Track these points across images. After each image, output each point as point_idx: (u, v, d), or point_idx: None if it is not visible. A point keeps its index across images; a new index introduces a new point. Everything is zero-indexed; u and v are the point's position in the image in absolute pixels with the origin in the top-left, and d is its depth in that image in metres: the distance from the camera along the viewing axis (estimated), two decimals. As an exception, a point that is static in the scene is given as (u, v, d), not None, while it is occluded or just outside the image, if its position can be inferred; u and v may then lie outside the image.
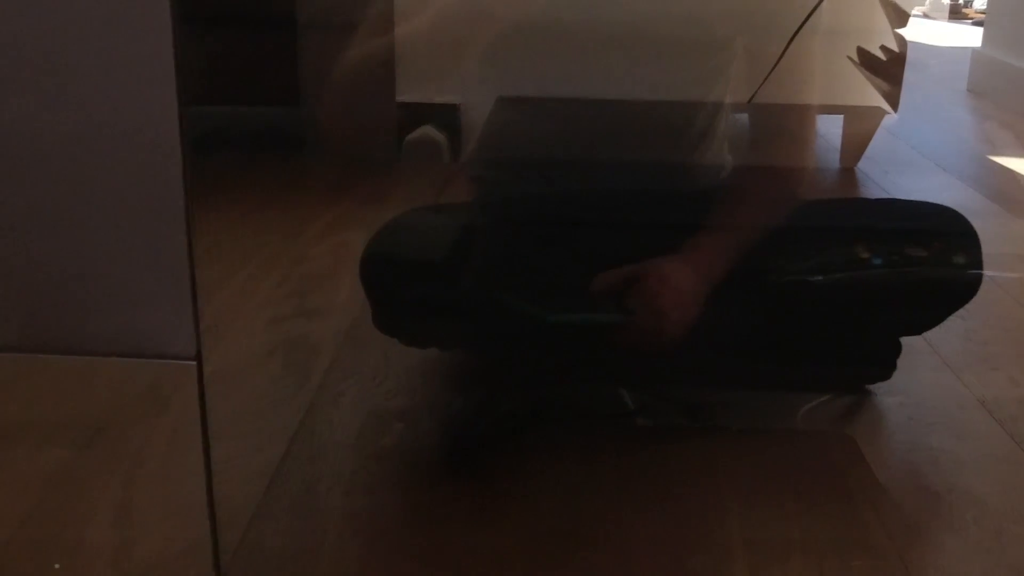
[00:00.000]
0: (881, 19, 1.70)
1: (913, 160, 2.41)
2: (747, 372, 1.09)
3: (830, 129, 2.33)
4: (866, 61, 1.30)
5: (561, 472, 1.08)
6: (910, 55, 2.08)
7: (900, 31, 1.99)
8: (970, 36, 4.17)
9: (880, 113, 2.18)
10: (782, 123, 1.14)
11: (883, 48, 1.28)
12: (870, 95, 1.86)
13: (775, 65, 1.02)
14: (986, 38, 3.25)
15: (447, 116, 1.22)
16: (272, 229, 1.73)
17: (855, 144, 2.26)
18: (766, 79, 1.04)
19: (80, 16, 0.65)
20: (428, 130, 1.21)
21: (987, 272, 1.13)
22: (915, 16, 4.96)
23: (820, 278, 1.10)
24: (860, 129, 2.24)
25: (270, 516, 1.00)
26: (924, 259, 1.12)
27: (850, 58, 1.27)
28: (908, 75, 2.03)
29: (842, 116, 2.23)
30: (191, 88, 0.64)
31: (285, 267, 1.59)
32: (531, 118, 1.16)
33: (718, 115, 1.21)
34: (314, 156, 1.30)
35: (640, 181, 1.16)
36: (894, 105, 2.08)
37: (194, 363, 0.68)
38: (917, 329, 1.27)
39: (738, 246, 1.11)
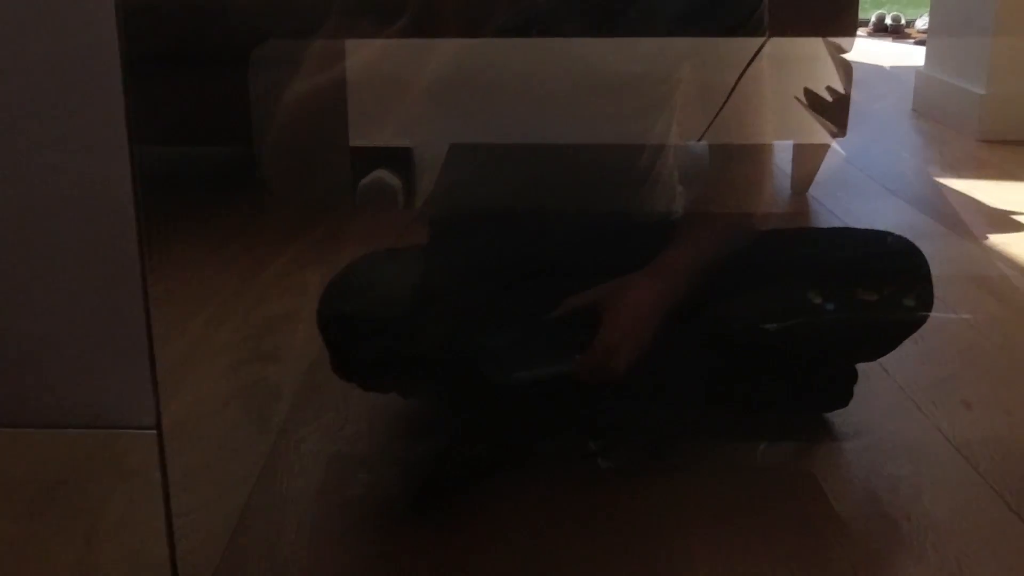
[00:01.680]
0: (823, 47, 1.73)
1: (862, 183, 2.44)
2: (705, 413, 1.09)
3: (780, 155, 2.36)
4: (813, 102, 1.32)
5: (526, 516, 1.08)
6: (856, 75, 2.11)
7: (845, 56, 2.03)
8: (913, 55, 4.25)
9: (823, 148, 2.22)
10: (739, 160, 1.15)
11: (829, 88, 1.30)
12: (819, 132, 1.89)
13: (725, 102, 1.04)
14: (928, 58, 3.31)
15: (400, 160, 1.22)
16: (227, 272, 1.72)
17: (805, 171, 2.29)
18: (716, 115, 1.05)
19: (22, 76, 0.64)
20: (382, 174, 1.21)
21: (936, 314, 1.15)
22: (859, 36, 5.04)
23: (774, 326, 1.11)
24: (810, 157, 2.27)
25: (233, 570, 0.99)
26: (876, 302, 1.13)
27: (798, 99, 1.29)
28: (854, 95, 2.06)
29: (791, 143, 2.26)
30: (142, 131, 0.63)
31: (242, 311, 1.58)
32: (483, 164, 1.16)
33: (665, 151, 1.22)
34: (267, 198, 1.30)
35: (593, 221, 1.17)
36: (842, 130, 2.11)
37: (154, 432, 0.67)
38: (871, 357, 1.29)
39: (694, 269, 1.13)
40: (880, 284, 1.13)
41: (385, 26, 0.99)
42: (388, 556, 1.02)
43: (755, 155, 1.15)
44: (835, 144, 2.24)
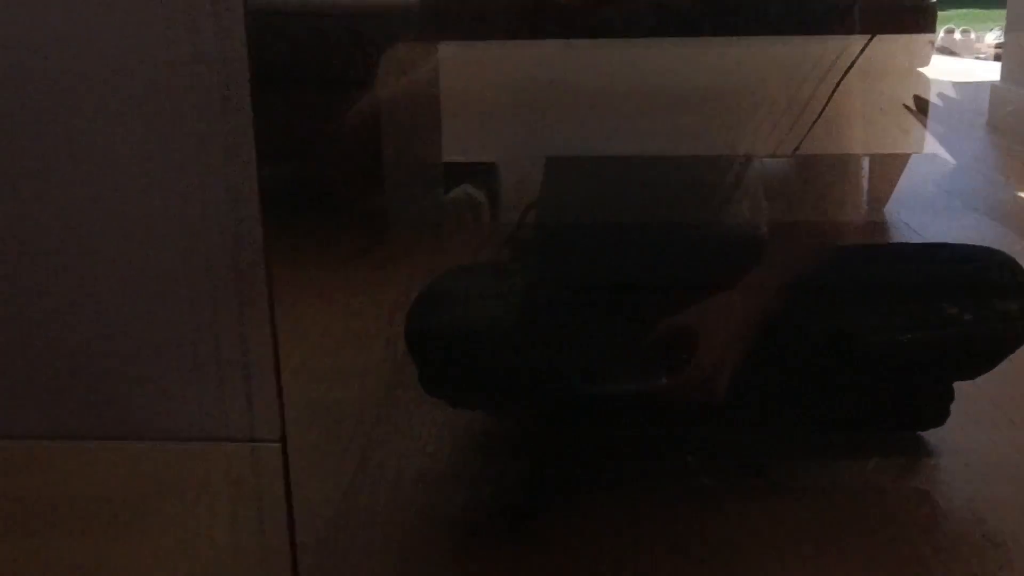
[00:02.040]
0: (909, 59, 1.70)
1: (939, 199, 2.40)
2: (799, 431, 1.07)
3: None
4: (922, 108, 1.29)
5: (623, 535, 1.06)
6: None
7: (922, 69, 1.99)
8: (982, 71, 4.17)
9: (905, 159, 2.17)
10: (827, 172, 1.13)
11: (916, 97, 1.28)
12: (900, 143, 1.86)
13: (821, 112, 1.02)
14: (1004, 73, 3.24)
15: (484, 175, 1.21)
16: (309, 285, 1.72)
17: (883, 186, 2.25)
18: (811, 127, 1.03)
19: (150, 87, 0.64)
20: (467, 188, 1.20)
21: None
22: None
23: (908, 336, 1.09)
24: (888, 170, 2.23)
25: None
26: (978, 318, 1.11)
27: (907, 107, 1.26)
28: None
29: (868, 159, 2.22)
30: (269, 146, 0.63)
31: (323, 325, 1.57)
32: (579, 178, 1.15)
33: (751, 165, 1.20)
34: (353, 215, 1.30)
35: (684, 235, 1.15)
36: (919, 145, 2.07)
37: (278, 445, 0.67)
38: (971, 375, 1.25)
39: (786, 285, 1.11)
40: (984, 296, 1.10)
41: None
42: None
43: (843, 167, 1.13)
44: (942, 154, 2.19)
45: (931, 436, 1.24)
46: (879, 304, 1.11)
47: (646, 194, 1.14)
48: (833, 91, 1.02)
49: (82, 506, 0.73)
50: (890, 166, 2.21)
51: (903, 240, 2.06)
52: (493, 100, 1.06)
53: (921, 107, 1.30)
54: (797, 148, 1.04)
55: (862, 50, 1.00)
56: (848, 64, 1.01)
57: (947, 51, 4.98)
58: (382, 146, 1.04)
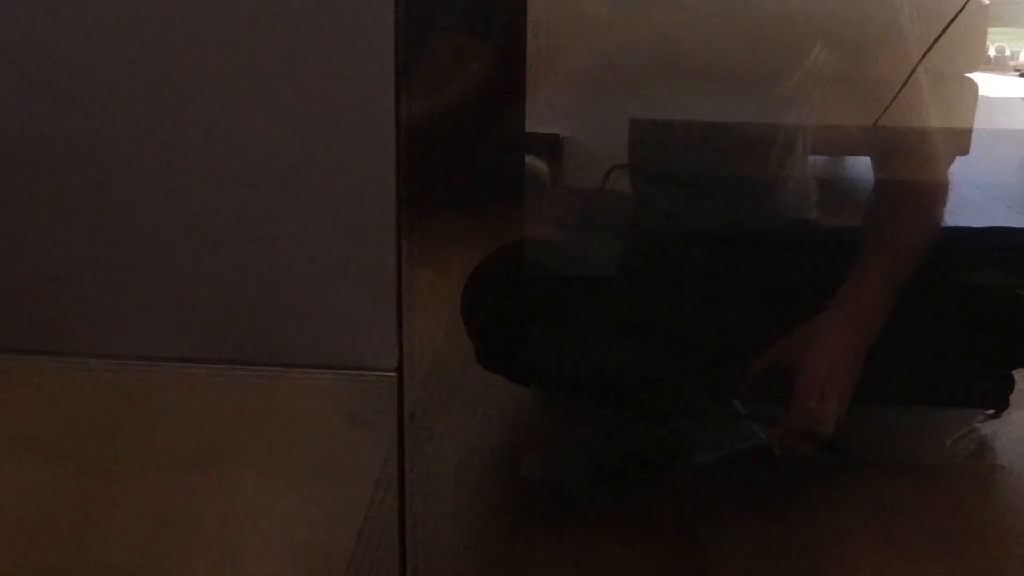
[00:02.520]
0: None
1: (984, 202, 2.40)
2: (881, 392, 1.06)
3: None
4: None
5: (693, 509, 1.06)
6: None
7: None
8: (1018, 87, 4.16)
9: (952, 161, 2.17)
10: (906, 159, 1.12)
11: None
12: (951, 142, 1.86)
13: (903, 86, 1.01)
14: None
15: (548, 146, 1.22)
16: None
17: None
18: (893, 100, 1.03)
19: (297, 18, 0.66)
20: (531, 160, 1.21)
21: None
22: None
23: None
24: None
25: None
26: None
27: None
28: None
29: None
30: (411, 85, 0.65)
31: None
32: (664, 141, 1.15)
33: (795, 149, 1.20)
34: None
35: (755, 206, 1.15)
36: (965, 148, 2.07)
37: (394, 375, 0.69)
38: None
39: (887, 293, 1.08)
40: None
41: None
42: (549, 546, 1.02)
43: (923, 151, 1.12)
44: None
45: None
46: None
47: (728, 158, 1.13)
48: (918, 63, 1.01)
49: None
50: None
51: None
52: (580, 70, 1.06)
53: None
54: (877, 121, 1.04)
55: (935, 41, 1.00)
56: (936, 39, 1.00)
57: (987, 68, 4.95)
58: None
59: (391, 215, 0.66)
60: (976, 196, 2.44)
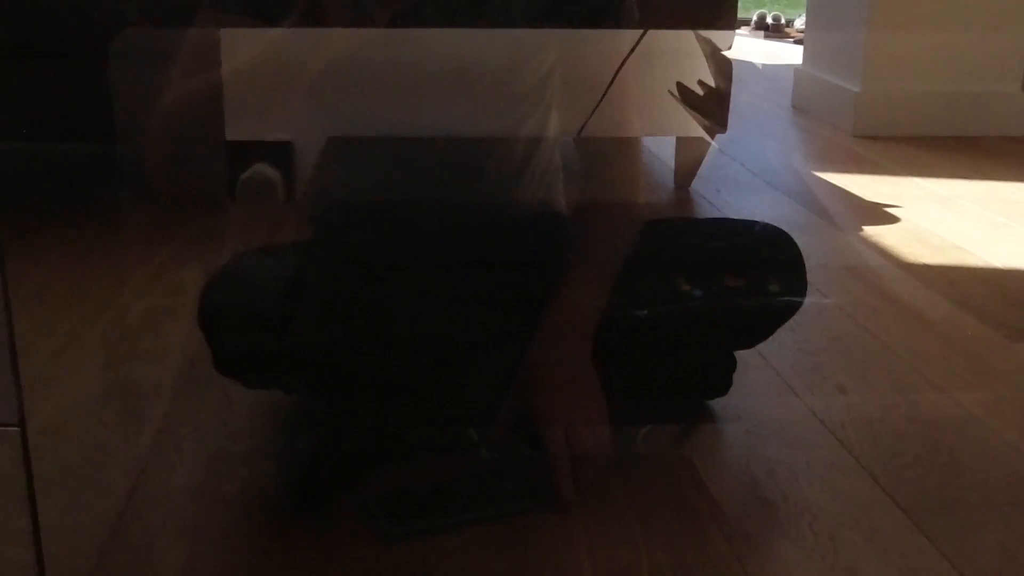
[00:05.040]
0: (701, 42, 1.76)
1: (743, 178, 2.50)
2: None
3: (664, 150, 2.40)
4: (686, 96, 1.34)
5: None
6: (737, 72, 2.16)
7: (725, 52, 2.07)
8: (792, 54, 4.36)
9: (706, 142, 2.26)
10: (609, 156, 1.16)
11: (701, 83, 1.33)
12: (695, 126, 1.93)
13: (602, 98, 1.04)
14: (806, 56, 3.40)
15: (280, 154, 1.20)
16: (97, 272, 1.67)
17: (688, 165, 2.33)
18: (593, 112, 1.05)
19: None
20: (262, 168, 1.19)
21: (803, 299, 1.18)
22: (740, 34, 5.17)
23: (644, 312, 1.13)
24: (692, 152, 2.32)
25: (114, 571, 0.96)
26: (742, 289, 1.16)
27: (671, 92, 1.31)
28: (736, 92, 2.11)
29: (675, 138, 2.30)
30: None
31: (116, 311, 1.54)
32: (361, 158, 1.15)
33: (542, 143, 1.22)
34: (135, 196, 1.26)
35: (470, 213, 1.16)
36: (723, 126, 2.16)
37: (17, 429, 0.65)
38: (747, 344, 1.32)
39: (599, 293, 1.12)
40: (751, 271, 1.16)
41: (261, 18, 0.98)
42: (268, 553, 1.01)
43: (623, 151, 1.16)
44: (716, 141, 2.29)
45: (716, 404, 1.30)
46: (651, 276, 1.15)
47: (432, 174, 1.15)
48: (615, 74, 1.05)
49: None
50: (695, 146, 2.29)
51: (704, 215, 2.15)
52: (280, 81, 1.05)
53: (688, 96, 1.35)
54: (580, 132, 1.07)
55: (635, 44, 1.03)
56: (627, 52, 1.04)
57: (764, 34, 5.18)
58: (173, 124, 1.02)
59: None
60: (737, 171, 2.55)
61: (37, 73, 1.67)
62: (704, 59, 1.74)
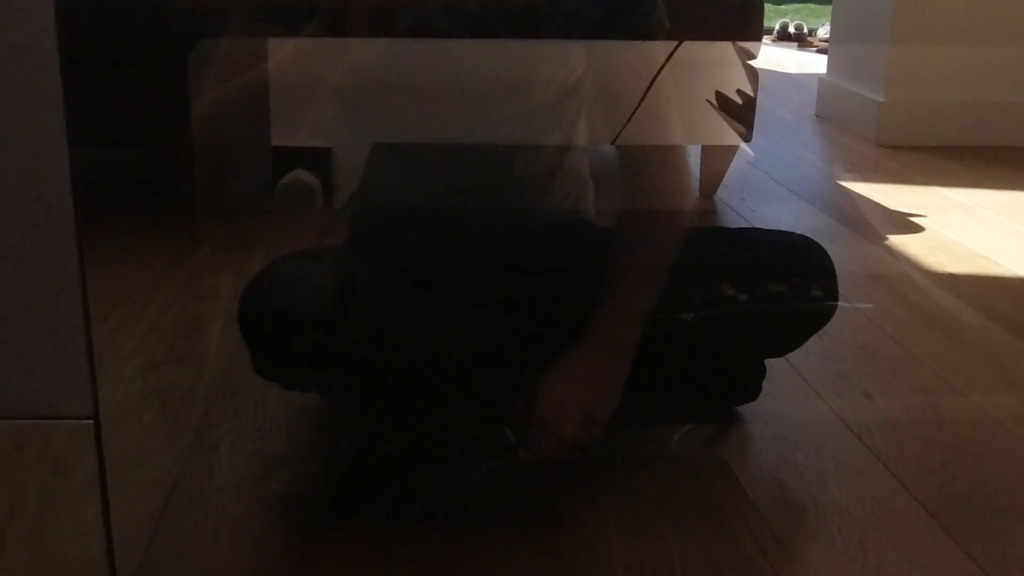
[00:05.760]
0: (732, 52, 1.78)
1: (767, 187, 2.51)
2: (622, 407, 1.11)
3: (689, 159, 2.41)
4: (723, 104, 1.36)
5: (447, 510, 1.09)
6: (762, 81, 2.17)
7: (751, 62, 2.09)
8: (815, 63, 4.37)
9: (735, 149, 2.28)
10: (653, 163, 1.17)
11: (739, 92, 1.34)
12: (727, 134, 1.95)
13: (637, 107, 1.06)
14: (830, 65, 3.42)
15: (319, 160, 1.23)
16: (141, 273, 1.70)
17: (713, 174, 2.35)
18: (628, 120, 1.07)
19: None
20: (301, 174, 1.22)
21: (842, 303, 1.20)
22: (765, 44, 5.18)
23: (691, 316, 1.15)
24: (717, 161, 2.33)
25: (154, 570, 0.98)
26: (784, 293, 1.18)
27: (709, 101, 1.33)
28: (760, 101, 2.12)
29: (700, 147, 2.32)
30: (80, 131, 0.63)
31: (156, 312, 1.56)
32: (405, 164, 1.17)
33: (572, 150, 1.23)
34: (185, 199, 1.29)
35: (509, 217, 1.18)
36: (749, 134, 2.17)
37: (91, 422, 0.68)
38: (780, 352, 1.34)
39: (640, 312, 1.13)
40: (792, 277, 1.17)
41: (303, 27, 1.00)
42: (307, 553, 1.03)
43: (668, 159, 1.17)
44: (744, 147, 2.31)
45: (745, 409, 1.32)
46: (689, 284, 1.16)
47: (472, 180, 1.17)
48: (650, 85, 1.07)
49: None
50: (721, 154, 2.31)
51: (729, 224, 2.16)
52: (325, 88, 1.07)
53: (721, 105, 1.37)
54: (615, 140, 1.08)
55: (670, 55, 1.05)
56: (662, 63, 1.06)
57: (787, 43, 5.19)
58: (220, 129, 1.05)
59: (74, 264, 0.65)
60: (761, 180, 2.56)
61: (120, 81, 1.70)
62: (732, 68, 1.76)
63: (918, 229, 2.17)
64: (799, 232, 1.30)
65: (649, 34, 1.11)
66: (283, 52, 1.03)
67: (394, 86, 1.10)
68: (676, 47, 1.05)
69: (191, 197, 1.10)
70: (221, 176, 1.07)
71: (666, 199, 1.17)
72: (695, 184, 2.27)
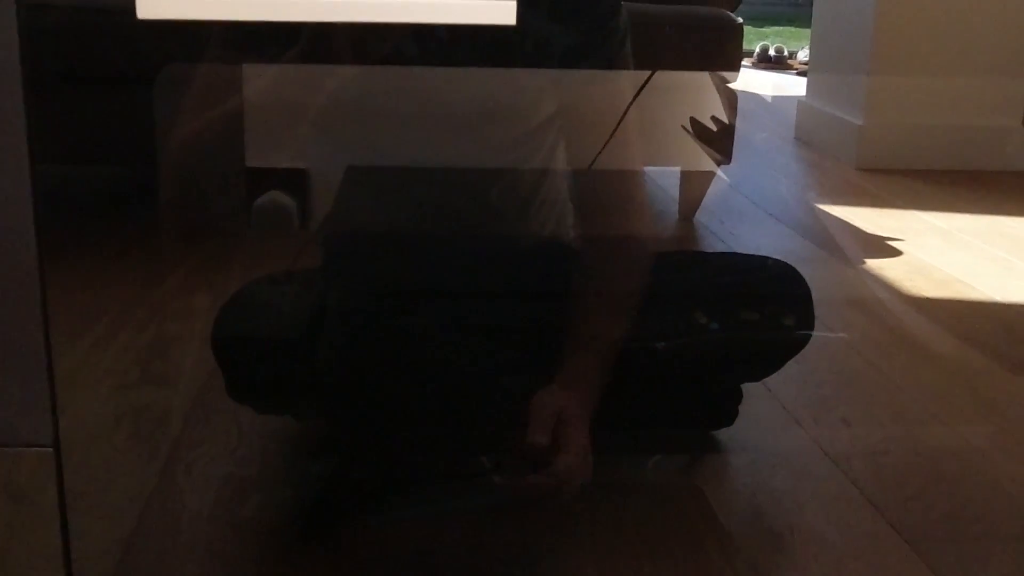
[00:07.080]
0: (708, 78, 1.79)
1: (746, 209, 2.52)
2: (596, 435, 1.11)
3: (669, 181, 2.42)
4: (698, 131, 1.36)
5: (419, 535, 1.08)
6: (741, 104, 2.18)
7: (730, 85, 2.10)
8: (795, 86, 4.39)
9: (710, 174, 2.29)
10: (614, 189, 1.17)
11: (714, 118, 1.35)
12: (703, 160, 1.96)
13: (612, 134, 1.06)
14: (809, 89, 3.43)
15: (295, 181, 1.22)
16: (116, 293, 1.69)
17: (692, 197, 2.35)
18: (604, 147, 1.07)
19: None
20: (276, 195, 1.21)
21: (816, 333, 1.20)
22: (744, 67, 5.21)
23: (662, 344, 1.14)
24: (696, 184, 2.34)
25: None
26: (757, 322, 1.18)
27: (684, 127, 1.33)
28: (739, 124, 2.13)
29: (679, 169, 2.32)
30: (42, 149, 0.62)
31: (130, 333, 1.55)
32: (378, 187, 1.17)
33: (550, 175, 1.23)
34: (162, 219, 1.28)
35: (485, 242, 1.18)
36: (727, 157, 2.18)
37: (51, 450, 0.66)
38: (755, 377, 1.33)
39: (608, 341, 1.12)
40: (765, 305, 1.17)
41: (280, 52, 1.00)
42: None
43: (621, 184, 1.17)
44: (720, 172, 2.32)
45: (722, 435, 1.31)
46: (662, 310, 1.16)
47: (447, 204, 1.17)
48: (624, 112, 1.07)
49: None
50: (699, 178, 2.32)
51: (707, 248, 2.16)
52: (299, 111, 1.07)
53: (697, 130, 1.37)
54: (591, 165, 1.09)
55: (643, 85, 1.05)
56: (636, 91, 1.06)
57: (767, 65, 5.22)
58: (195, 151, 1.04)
59: (36, 290, 0.64)
60: (740, 202, 2.56)
61: (85, 100, 1.69)
62: (708, 94, 1.76)
63: (896, 253, 2.18)
64: (776, 257, 1.30)
65: (616, 64, 1.12)
66: (257, 76, 1.03)
67: (368, 111, 1.09)
68: (649, 77, 1.05)
69: (158, 217, 1.09)
70: (194, 196, 1.07)
71: (620, 224, 1.17)
72: (666, 208, 2.28)
